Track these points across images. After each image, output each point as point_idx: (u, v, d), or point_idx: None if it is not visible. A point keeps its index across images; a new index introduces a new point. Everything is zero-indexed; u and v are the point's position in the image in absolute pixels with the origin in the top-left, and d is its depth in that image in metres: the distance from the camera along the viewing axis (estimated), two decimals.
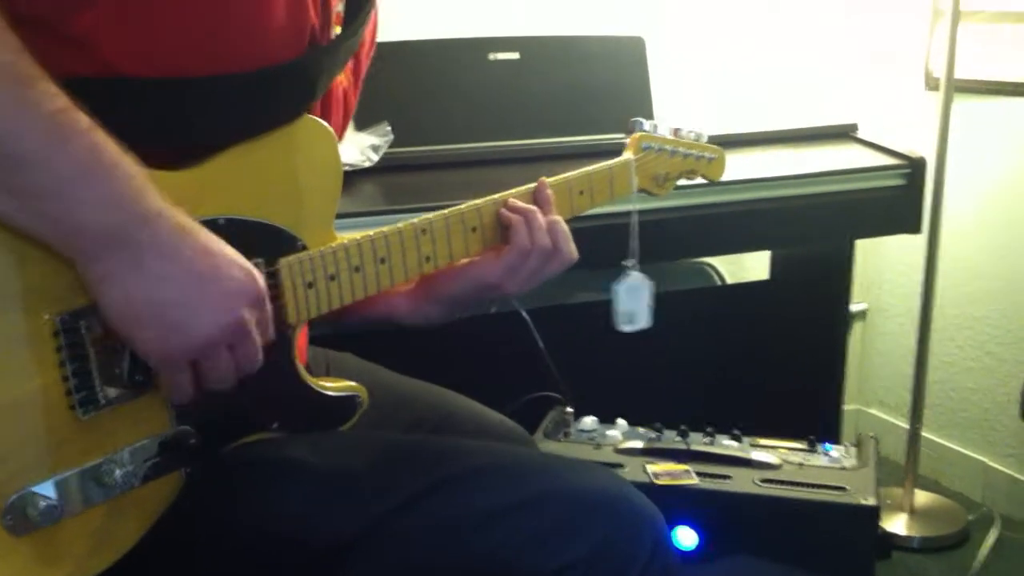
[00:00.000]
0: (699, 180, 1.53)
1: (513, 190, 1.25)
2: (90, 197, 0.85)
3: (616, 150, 2.14)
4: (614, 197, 1.37)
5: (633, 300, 1.49)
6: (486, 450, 1.15)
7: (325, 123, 1.11)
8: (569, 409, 1.86)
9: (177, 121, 1.00)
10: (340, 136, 1.27)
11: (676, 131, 1.45)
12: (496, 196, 1.24)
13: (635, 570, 1.03)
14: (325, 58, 1.10)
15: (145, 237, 0.88)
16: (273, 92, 1.05)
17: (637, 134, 1.40)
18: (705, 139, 1.49)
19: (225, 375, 0.96)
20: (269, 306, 0.98)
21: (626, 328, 1.49)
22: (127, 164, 0.88)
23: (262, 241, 1.04)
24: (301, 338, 1.19)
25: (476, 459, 1.10)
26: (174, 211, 0.91)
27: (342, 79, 1.24)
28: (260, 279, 0.96)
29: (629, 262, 1.45)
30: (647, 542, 1.05)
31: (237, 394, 1.00)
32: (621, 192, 1.38)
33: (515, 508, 1.04)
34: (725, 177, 1.99)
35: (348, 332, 2.12)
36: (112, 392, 0.94)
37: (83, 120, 0.86)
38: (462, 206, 1.21)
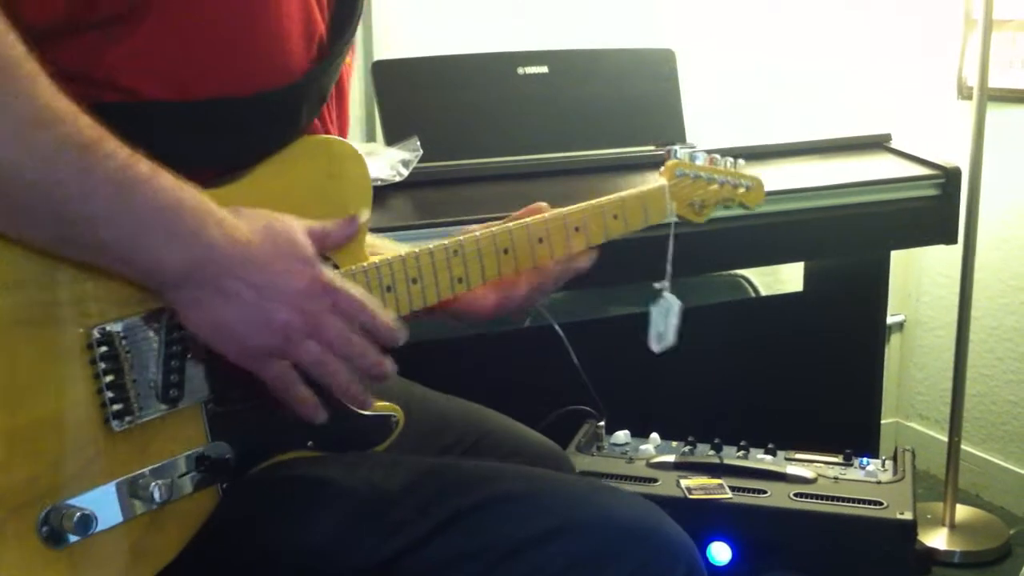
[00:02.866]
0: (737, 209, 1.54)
1: (547, 214, 1.26)
2: (161, 240, 0.90)
3: (647, 163, 2.15)
4: (649, 222, 1.38)
5: (663, 321, 1.50)
6: (520, 475, 1.14)
7: (355, 145, 1.12)
8: (601, 423, 1.85)
9: (203, 143, 1.01)
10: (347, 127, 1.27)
11: (712, 158, 1.46)
12: (528, 220, 1.25)
13: None
14: (333, 65, 1.11)
15: (215, 264, 0.92)
16: (294, 107, 1.06)
17: (672, 161, 1.41)
18: (742, 166, 1.49)
19: (316, 360, 0.98)
20: (344, 287, 0.99)
21: (657, 348, 1.51)
22: (188, 196, 0.92)
23: None
24: None
25: (509, 485, 1.09)
26: (231, 226, 0.94)
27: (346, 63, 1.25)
28: (316, 269, 0.98)
29: (662, 284, 1.46)
30: (680, 572, 1.04)
31: (272, 408, 1.00)
32: (656, 217, 1.39)
33: (548, 537, 1.03)
34: None
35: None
36: (147, 405, 0.95)
37: (144, 167, 0.89)
38: (494, 228, 1.22)
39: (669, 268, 1.46)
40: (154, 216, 0.89)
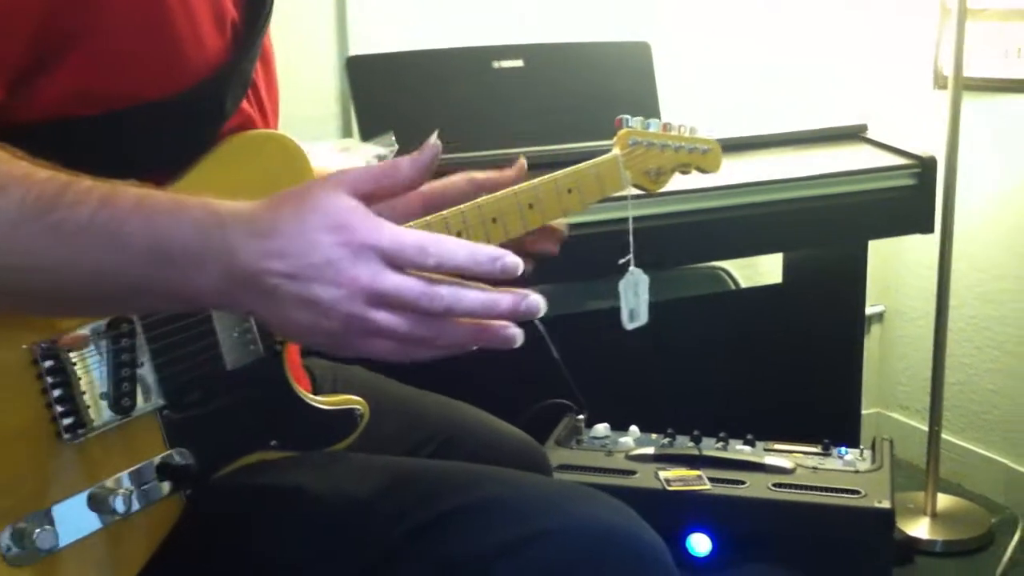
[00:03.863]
0: (696, 175, 1.52)
1: (499, 193, 1.22)
2: (181, 270, 0.83)
3: None
4: (605, 193, 1.34)
5: (634, 297, 1.49)
6: (495, 479, 1.11)
7: (295, 140, 1.10)
8: (581, 416, 1.85)
9: (132, 152, 0.98)
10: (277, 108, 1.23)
11: (666, 125, 1.45)
12: (480, 200, 1.20)
13: None
14: (251, 49, 1.08)
15: (243, 266, 0.83)
16: (217, 99, 1.04)
17: (624, 130, 1.38)
18: (698, 133, 1.48)
19: (411, 333, 0.84)
20: (381, 236, 0.84)
21: (630, 326, 1.50)
22: (190, 210, 0.84)
23: None
24: (293, 353, 1.18)
25: (483, 491, 1.07)
26: (247, 219, 0.85)
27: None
28: (345, 231, 0.84)
29: (626, 258, 1.45)
30: None
31: (231, 411, 0.99)
32: (612, 188, 1.35)
33: (519, 545, 1.01)
34: (736, 180, 2.00)
35: None
36: (100, 416, 0.93)
37: (126, 200, 0.83)
38: (445, 212, 1.17)
39: (631, 241, 1.44)
40: (159, 249, 0.82)
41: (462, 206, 1.17)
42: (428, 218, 1.16)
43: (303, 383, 1.14)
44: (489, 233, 1.19)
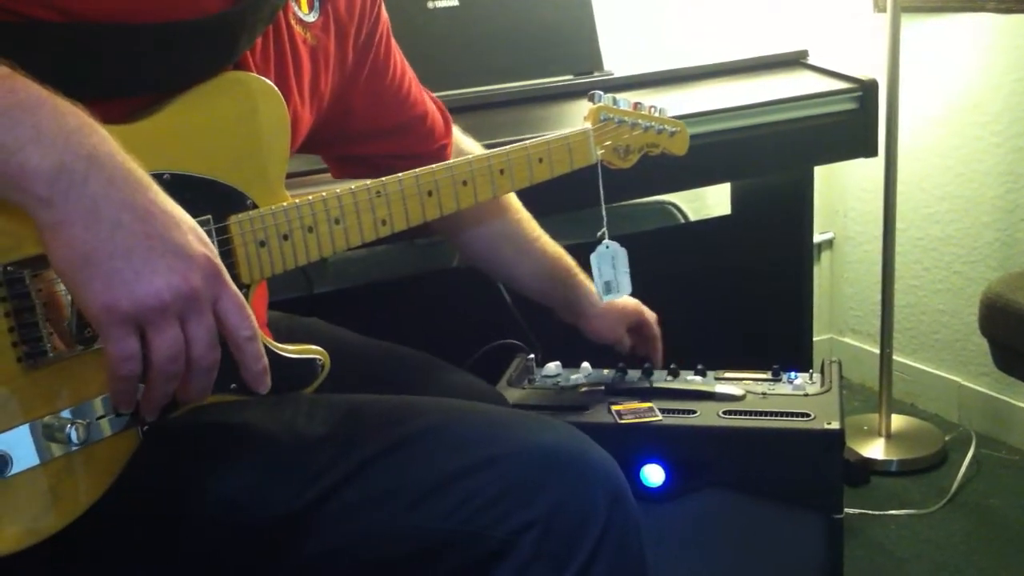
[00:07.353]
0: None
1: (471, 156, 1.28)
2: (19, 137, 0.80)
3: (564, 93, 2.13)
4: (574, 166, 1.41)
5: (609, 269, 1.52)
6: (440, 408, 1.14)
7: (270, 82, 1.09)
8: (531, 356, 1.84)
9: (94, 70, 0.97)
10: (303, 94, 1.22)
11: (637, 105, 1.50)
12: (452, 162, 1.26)
13: (595, 527, 1.02)
14: (249, 14, 1.07)
15: (95, 178, 0.82)
16: (192, 45, 1.03)
17: (596, 105, 1.44)
18: (668, 114, 1.53)
19: (173, 352, 0.87)
20: (232, 293, 0.90)
21: (607, 297, 1.54)
22: (60, 103, 0.84)
23: (209, 198, 1.03)
24: (259, 300, 1.18)
25: (429, 419, 1.09)
26: (131, 160, 0.86)
27: (308, 38, 1.20)
28: (218, 258, 0.90)
29: (601, 232, 1.52)
30: (603, 497, 1.04)
31: None
32: (581, 161, 1.42)
33: (468, 471, 1.03)
34: (679, 111, 1.99)
35: (315, 297, 2.11)
36: (63, 345, 0.93)
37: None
38: (418, 170, 1.22)
39: (604, 215, 1.49)
40: (8, 111, 0.81)
41: (434, 167, 1.24)
42: (401, 175, 1.20)
43: (266, 332, 1.14)
44: (459, 196, 1.26)
